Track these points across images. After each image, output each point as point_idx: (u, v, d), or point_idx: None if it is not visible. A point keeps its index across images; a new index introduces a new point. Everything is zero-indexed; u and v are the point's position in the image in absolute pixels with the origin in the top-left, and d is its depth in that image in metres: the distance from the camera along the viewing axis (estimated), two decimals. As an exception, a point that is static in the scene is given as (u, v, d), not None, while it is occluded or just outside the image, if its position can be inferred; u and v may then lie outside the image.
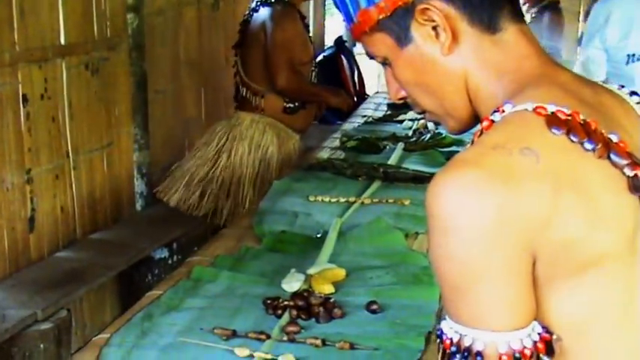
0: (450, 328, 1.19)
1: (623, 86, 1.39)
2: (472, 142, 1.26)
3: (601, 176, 1.20)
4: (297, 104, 4.57)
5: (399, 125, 5.20)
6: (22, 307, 3.41)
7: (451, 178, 1.16)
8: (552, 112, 1.21)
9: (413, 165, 4.13)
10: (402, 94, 1.43)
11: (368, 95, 7.82)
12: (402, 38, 1.35)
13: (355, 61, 8.17)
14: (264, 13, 4.53)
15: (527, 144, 1.17)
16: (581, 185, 1.18)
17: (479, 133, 1.25)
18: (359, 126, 5.28)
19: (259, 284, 2.65)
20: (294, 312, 2.38)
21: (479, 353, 1.16)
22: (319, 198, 3.55)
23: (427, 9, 1.31)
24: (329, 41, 8.85)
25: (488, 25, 1.33)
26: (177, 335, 2.28)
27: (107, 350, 2.21)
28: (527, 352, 1.15)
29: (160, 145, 5.18)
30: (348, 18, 1.40)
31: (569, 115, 1.21)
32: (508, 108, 1.24)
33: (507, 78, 1.32)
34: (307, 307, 2.41)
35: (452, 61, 1.33)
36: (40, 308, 3.41)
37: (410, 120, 5.25)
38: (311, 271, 2.68)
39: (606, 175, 1.20)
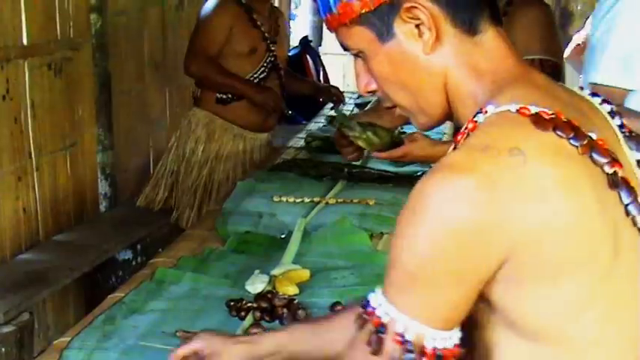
0: (380, 305, 1.24)
1: (594, 94, 1.42)
2: (456, 143, 1.30)
3: (585, 174, 1.23)
4: (227, 95, 4.59)
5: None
6: (-17, 310, 3.38)
7: (442, 180, 1.20)
8: (536, 113, 1.24)
9: (377, 165, 4.12)
10: (372, 87, 1.45)
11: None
12: (384, 34, 1.36)
13: (320, 60, 8.17)
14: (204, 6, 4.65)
15: (515, 144, 1.20)
16: (569, 183, 1.21)
17: (465, 134, 1.29)
18: (324, 126, 5.26)
19: (223, 286, 2.63)
20: (258, 314, 2.36)
21: (408, 341, 1.21)
22: (283, 198, 3.53)
23: (414, 7, 1.33)
24: (294, 41, 8.83)
25: (469, 26, 1.35)
26: (139, 338, 2.25)
27: (68, 353, 2.18)
28: (445, 353, 1.22)
29: (124, 146, 5.16)
30: (326, 8, 1.40)
31: (552, 114, 1.24)
32: (491, 109, 1.28)
33: (487, 78, 1.35)
34: (271, 308, 2.39)
35: (433, 60, 1.36)
36: (2, 311, 3.39)
37: (375, 119, 5.23)
38: (275, 272, 2.66)
39: (589, 173, 1.24)
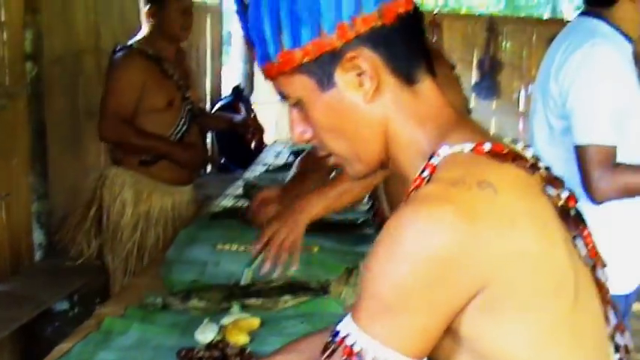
0: (351, 334, 1.24)
1: (515, 140, 1.45)
2: (416, 187, 1.30)
3: (547, 205, 1.29)
4: (150, 157, 4.37)
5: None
6: None
7: (419, 210, 1.22)
8: (490, 148, 1.28)
9: (319, 212, 4.12)
10: (307, 136, 1.46)
11: (266, 144, 7.82)
12: (324, 82, 1.37)
13: (252, 109, 8.20)
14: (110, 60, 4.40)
15: (482, 178, 1.23)
16: (536, 213, 1.26)
17: (423, 179, 1.30)
18: (260, 174, 5.26)
19: (172, 335, 2.60)
20: (210, 363, 2.35)
21: None
22: (226, 246, 3.52)
23: (356, 56, 1.34)
24: (226, 90, 8.85)
25: (407, 76, 1.38)
26: (91, 390, 2.22)
27: (18, 407, 2.15)
28: None
29: (60, 195, 5.10)
30: (265, 57, 1.40)
31: (505, 148, 1.29)
32: (445, 150, 1.31)
33: (429, 125, 1.38)
34: (223, 357, 2.37)
35: (373, 109, 1.37)
36: (-61, 365, 3.30)
37: (312, 168, 5.25)
38: (225, 321, 2.64)
39: (546, 206, 1.30)
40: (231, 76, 9.44)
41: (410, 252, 1.20)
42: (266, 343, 2.54)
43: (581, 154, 2.85)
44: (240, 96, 8.28)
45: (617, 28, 2.98)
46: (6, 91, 4.49)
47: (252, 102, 8.56)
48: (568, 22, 3.22)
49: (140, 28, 4.35)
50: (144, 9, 4.34)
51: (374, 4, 1.34)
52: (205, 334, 2.55)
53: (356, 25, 1.34)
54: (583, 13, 3.09)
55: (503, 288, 1.22)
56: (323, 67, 1.36)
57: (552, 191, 1.31)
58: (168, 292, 2.97)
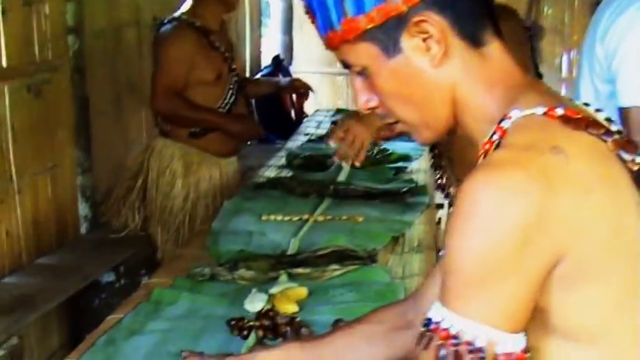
0: (444, 319, 1.20)
1: (587, 104, 1.42)
2: (485, 152, 1.28)
3: (617, 169, 1.25)
4: (201, 129, 4.40)
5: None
6: (-29, 336, 3.34)
7: (491, 176, 1.18)
8: (563, 113, 1.24)
9: (362, 181, 4.13)
10: (372, 104, 1.43)
11: (306, 114, 7.82)
12: (391, 49, 1.35)
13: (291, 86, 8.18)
14: (158, 33, 4.40)
15: (554, 143, 1.20)
16: (609, 180, 1.22)
17: (493, 142, 1.28)
18: (303, 144, 5.25)
19: (221, 305, 2.62)
20: (261, 332, 2.35)
21: (480, 349, 1.17)
22: (272, 217, 3.53)
23: (423, 21, 1.31)
24: (265, 60, 8.84)
25: (474, 39, 1.35)
26: (144, 359, 2.24)
27: (72, 377, 2.17)
28: (515, 358, 1.18)
29: (103, 168, 5.13)
30: (327, 25, 1.38)
31: (578, 113, 1.25)
32: (516, 113, 1.27)
33: (497, 89, 1.34)
34: (274, 326, 2.38)
35: (441, 74, 1.34)
36: (-9, 336, 3.34)
37: (354, 137, 5.24)
38: (273, 290, 2.65)
39: (620, 168, 1.25)
40: (270, 47, 9.43)
41: (487, 222, 1.16)
42: (315, 312, 2.55)
43: (625, 116, 2.83)
44: (280, 66, 8.28)
45: None
46: (49, 65, 4.51)
47: (291, 72, 8.55)
48: None
49: (181, 1, 4.36)
50: None
51: None
52: (254, 304, 2.56)
53: None
54: None
55: (580, 257, 1.19)
56: (388, 33, 1.34)
57: (627, 156, 1.27)
58: (216, 263, 2.98)
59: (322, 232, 3.29)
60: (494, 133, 1.28)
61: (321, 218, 3.51)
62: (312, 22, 1.44)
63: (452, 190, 3.47)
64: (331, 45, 1.41)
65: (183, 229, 4.35)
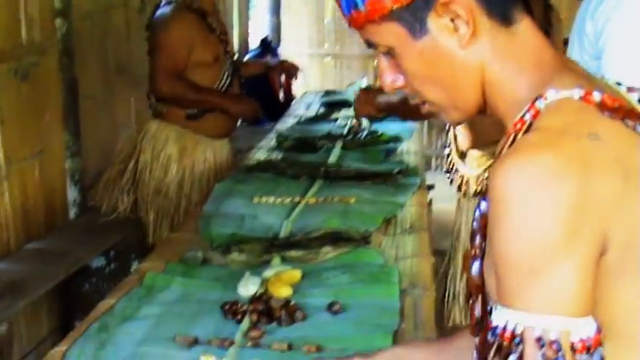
0: (508, 321, 1.15)
1: (619, 83, 1.37)
2: (517, 132, 1.23)
3: None
4: (199, 110, 4.40)
5: (333, 124, 5.17)
6: (-39, 322, 3.30)
7: (526, 160, 1.14)
8: (601, 100, 1.20)
9: (353, 163, 4.12)
10: (399, 84, 1.39)
11: (295, 96, 7.79)
12: (417, 29, 1.31)
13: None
14: (155, 16, 4.40)
15: (591, 129, 1.15)
16: None
17: (524, 122, 1.23)
18: (292, 126, 5.24)
19: (214, 289, 2.60)
20: (255, 316, 2.34)
21: (554, 342, 1.12)
22: (263, 199, 3.52)
23: (451, 1, 1.27)
24: (254, 41, 8.80)
25: (504, 17, 1.31)
26: (137, 345, 2.22)
27: (65, 363, 2.14)
28: (592, 342, 1.13)
29: (92, 152, 5.08)
30: (351, 5, 1.34)
31: (616, 102, 1.20)
32: (552, 94, 1.22)
33: (529, 69, 1.30)
34: (268, 310, 2.37)
35: (469, 54, 1.31)
36: (-19, 322, 3.31)
37: (344, 118, 5.23)
38: (266, 273, 2.63)
39: None
40: (259, 29, 9.38)
41: (529, 210, 1.12)
42: (309, 294, 2.54)
43: None
44: (269, 48, 8.23)
45: None
46: (37, 47, 4.46)
47: (279, 54, 8.50)
48: None
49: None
50: None
51: None
52: (248, 288, 2.55)
53: None
54: None
55: (625, 246, 1.15)
56: (415, 14, 1.30)
57: None
58: (208, 247, 2.96)
59: (314, 214, 3.28)
60: (526, 112, 1.24)
61: (312, 200, 3.50)
62: (336, 1, 1.39)
63: (457, 162, 3.50)
64: (355, 25, 1.37)
65: (178, 213, 4.33)
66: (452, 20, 1.29)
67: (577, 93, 1.21)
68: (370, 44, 1.39)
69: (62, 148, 4.74)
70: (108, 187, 4.52)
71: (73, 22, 4.77)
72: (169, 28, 4.27)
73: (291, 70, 5.28)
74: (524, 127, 1.23)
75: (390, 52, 1.36)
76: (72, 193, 4.85)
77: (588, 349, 1.12)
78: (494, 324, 1.17)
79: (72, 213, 4.88)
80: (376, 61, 1.42)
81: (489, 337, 1.18)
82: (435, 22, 1.30)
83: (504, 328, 1.15)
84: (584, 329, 1.12)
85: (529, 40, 1.32)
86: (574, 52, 3.07)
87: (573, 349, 1.12)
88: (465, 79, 1.33)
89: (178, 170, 4.36)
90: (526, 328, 1.13)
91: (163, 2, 4.32)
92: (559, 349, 1.11)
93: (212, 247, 2.94)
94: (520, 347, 1.13)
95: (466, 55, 1.31)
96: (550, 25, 3.70)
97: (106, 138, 5.34)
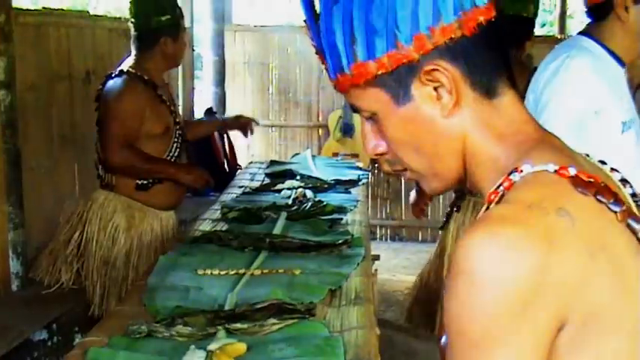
0: None
1: (603, 162, 1.39)
2: (489, 202, 1.24)
3: (622, 240, 1.21)
4: (149, 180, 4.42)
5: (277, 195, 5.18)
6: None
7: (489, 234, 1.14)
8: (575, 175, 1.21)
9: (298, 234, 4.12)
10: (380, 149, 1.40)
11: (240, 166, 7.81)
12: (400, 96, 1.32)
13: (226, 132, 8.18)
14: (106, 86, 4.41)
15: (561, 205, 1.16)
16: (610, 249, 1.18)
17: (498, 193, 1.24)
18: (237, 197, 5.23)
19: (159, 363, 2.59)
20: (200, 390, 2.33)
21: None
22: (208, 271, 3.50)
23: (435, 69, 1.29)
24: (198, 112, 8.83)
25: (487, 89, 1.32)
26: (81, 420, 2.20)
27: None
28: None
29: (35, 223, 5.06)
30: (337, 69, 1.35)
31: (591, 178, 1.21)
32: (527, 168, 1.24)
33: (508, 141, 1.32)
34: (212, 384, 2.36)
35: (451, 124, 1.32)
36: None
37: (288, 189, 5.25)
38: (211, 347, 2.62)
39: (626, 240, 1.22)
40: (203, 99, 9.42)
41: (484, 282, 1.12)
42: (254, 368, 2.53)
43: None
44: (213, 119, 8.28)
45: (608, 49, 2.99)
46: (-20, 119, 4.46)
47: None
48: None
49: (122, 55, 4.39)
50: (160, 40, 4.40)
51: (453, 14, 1.29)
52: (193, 361, 2.53)
53: (434, 35, 1.29)
54: (580, 33, 3.12)
55: (584, 322, 1.16)
56: (399, 80, 1.32)
57: (636, 225, 1.23)
58: (153, 319, 2.94)
59: (259, 286, 3.28)
60: (501, 184, 1.25)
61: (257, 272, 3.49)
62: (322, 64, 1.40)
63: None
64: (341, 88, 1.38)
65: (125, 284, 4.31)
66: (435, 89, 1.31)
67: (551, 167, 1.23)
68: (354, 108, 1.40)
69: (5, 220, 4.71)
70: (51, 259, 4.49)
71: (16, 94, 4.76)
72: (121, 98, 4.29)
73: (248, 125, 5.31)
74: (497, 199, 1.24)
75: (373, 118, 1.38)
76: (14, 266, 4.82)
77: None
78: None
79: (14, 285, 4.83)
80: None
81: None
82: (419, 90, 1.31)
83: None
84: None
85: (511, 113, 1.34)
86: None
87: None
88: (445, 147, 1.34)
89: (126, 241, 4.34)
90: None
91: (114, 73, 4.34)
92: None
93: (156, 320, 2.92)
94: None
95: (448, 123, 1.32)
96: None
97: (49, 209, 5.32)
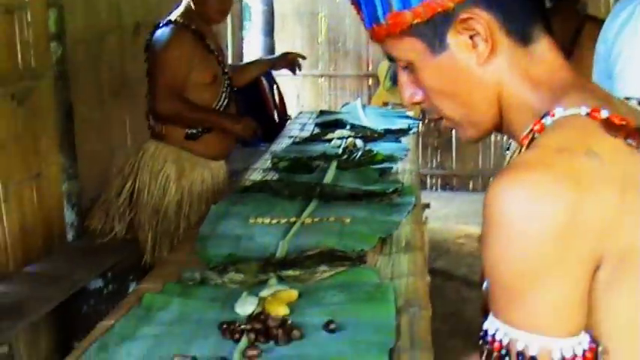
0: (498, 330, 1.17)
1: None
2: (521, 146, 1.25)
3: None
4: (198, 130, 4.46)
5: (327, 144, 5.19)
6: (-39, 345, 3.32)
7: (517, 179, 1.15)
8: (607, 117, 1.21)
9: (348, 183, 4.13)
10: (417, 98, 1.41)
11: (289, 116, 7.82)
12: (436, 45, 1.33)
13: (275, 82, 8.18)
14: (154, 36, 4.42)
15: (589, 147, 1.16)
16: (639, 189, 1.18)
17: (529, 137, 1.25)
18: (287, 147, 5.26)
19: (212, 309, 2.62)
20: (253, 335, 2.36)
21: (533, 358, 1.14)
22: (259, 220, 3.53)
23: (470, 18, 1.29)
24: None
25: (522, 36, 1.32)
26: (136, 365, 2.24)
27: (66, 384, 2.16)
28: (580, 359, 1.14)
29: (88, 174, 5.12)
30: (373, 19, 1.36)
31: (623, 121, 1.21)
32: (559, 112, 1.24)
33: (543, 87, 1.32)
34: (265, 329, 2.38)
35: (487, 71, 1.33)
36: (-19, 345, 3.33)
37: (338, 139, 5.26)
38: (263, 293, 2.66)
39: None
40: (252, 50, 9.43)
41: (517, 229, 1.13)
42: (305, 314, 2.55)
43: None
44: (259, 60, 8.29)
45: None
46: (33, 72, 4.51)
47: (273, 74, 8.54)
48: None
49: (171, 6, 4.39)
50: None
51: None
52: (245, 307, 2.57)
53: None
54: None
55: (619, 260, 1.16)
56: (434, 29, 1.32)
57: None
58: (206, 267, 2.99)
59: (310, 234, 3.30)
60: (533, 128, 1.26)
61: (308, 220, 3.51)
62: (358, 14, 1.41)
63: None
64: (377, 38, 1.39)
65: (176, 233, 4.35)
66: (471, 37, 1.31)
67: (583, 110, 1.23)
68: (391, 58, 1.41)
69: (59, 171, 4.78)
70: (105, 209, 4.54)
71: (67, 46, 4.81)
72: (169, 47, 4.30)
73: (296, 61, 5.30)
74: (527, 143, 1.25)
75: (409, 67, 1.38)
76: (69, 216, 4.89)
77: None
78: (484, 331, 1.20)
79: (69, 235, 4.92)
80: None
81: (480, 340, 1.21)
82: (454, 39, 1.32)
83: (493, 337, 1.18)
84: (569, 348, 1.14)
85: (546, 59, 1.34)
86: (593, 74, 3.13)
87: None
88: (481, 95, 1.35)
89: (177, 191, 4.38)
90: (511, 341, 1.16)
91: (162, 23, 4.36)
92: None
93: (209, 268, 2.96)
94: (507, 358, 1.16)
95: (484, 71, 1.32)
96: (576, 44, 3.76)
97: (101, 160, 5.38)
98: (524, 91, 1.33)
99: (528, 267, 1.14)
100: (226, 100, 4.51)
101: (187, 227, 4.29)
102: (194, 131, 4.40)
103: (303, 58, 5.33)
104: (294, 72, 5.41)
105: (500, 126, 1.39)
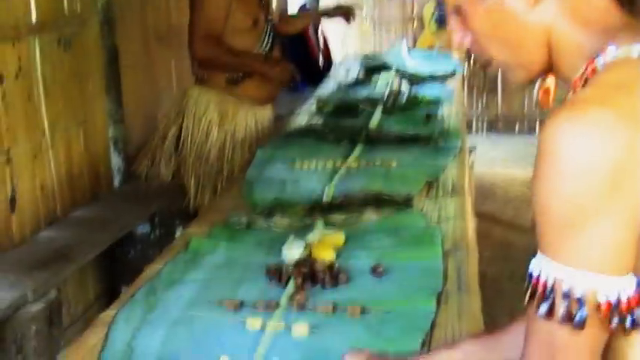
0: (544, 269, 1.16)
1: None
2: (575, 87, 1.24)
3: None
4: (239, 75, 4.41)
5: (373, 88, 5.18)
6: (11, 289, 3.34)
7: (576, 116, 1.14)
8: None
9: (393, 126, 4.12)
10: (467, 42, 1.40)
11: (334, 60, 7.81)
12: None
13: (319, 28, 8.16)
14: None
15: None
16: None
17: (583, 77, 1.24)
18: (332, 91, 5.25)
19: (259, 253, 2.63)
20: (300, 279, 2.36)
21: (579, 300, 1.13)
22: (305, 164, 3.53)
23: None
24: (292, 9, 8.79)
25: None
26: (185, 308, 2.25)
27: (115, 327, 2.17)
28: (625, 303, 1.13)
29: (134, 119, 5.14)
30: None
31: None
32: (612, 50, 1.22)
33: (593, 27, 1.30)
34: (312, 273, 2.39)
35: (536, 14, 1.32)
36: (30, 289, 3.35)
37: (383, 82, 5.24)
38: (310, 237, 2.66)
39: None
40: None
41: (573, 164, 1.12)
42: (352, 257, 2.55)
43: None
44: (307, 12, 8.25)
45: None
46: (78, 17, 4.50)
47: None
48: None
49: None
50: None
51: None
52: (292, 251, 2.57)
53: None
54: None
55: None
56: None
57: None
58: (252, 211, 2.99)
59: (356, 178, 3.30)
60: (585, 68, 1.25)
61: (354, 164, 3.51)
62: None
63: None
64: None
65: (221, 178, 4.35)
66: None
67: (636, 48, 1.21)
68: (440, 3, 1.40)
69: (105, 117, 4.79)
70: (151, 154, 4.55)
71: (113, -9, 4.81)
72: None
73: (350, 11, 5.28)
74: (581, 83, 1.24)
75: (458, 11, 1.38)
76: (116, 161, 4.91)
77: (615, 309, 1.13)
78: (530, 270, 1.19)
79: (116, 180, 4.94)
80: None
81: (526, 282, 1.19)
82: None
83: (538, 277, 1.17)
84: (616, 287, 1.13)
85: (596, 0, 1.31)
86: None
87: (597, 306, 1.12)
88: (530, 38, 1.34)
89: (219, 135, 4.37)
90: (556, 281, 1.15)
91: None
92: (581, 306, 1.13)
93: (255, 212, 2.97)
94: (551, 298, 1.15)
95: (532, 15, 1.32)
96: None
97: (147, 105, 5.39)
98: (575, 32, 1.31)
99: (583, 202, 1.12)
100: (269, 45, 4.47)
101: (231, 172, 4.29)
102: (234, 76, 4.37)
103: (359, 8, 5.31)
104: (348, 21, 5.38)
105: (549, 68, 1.37)
